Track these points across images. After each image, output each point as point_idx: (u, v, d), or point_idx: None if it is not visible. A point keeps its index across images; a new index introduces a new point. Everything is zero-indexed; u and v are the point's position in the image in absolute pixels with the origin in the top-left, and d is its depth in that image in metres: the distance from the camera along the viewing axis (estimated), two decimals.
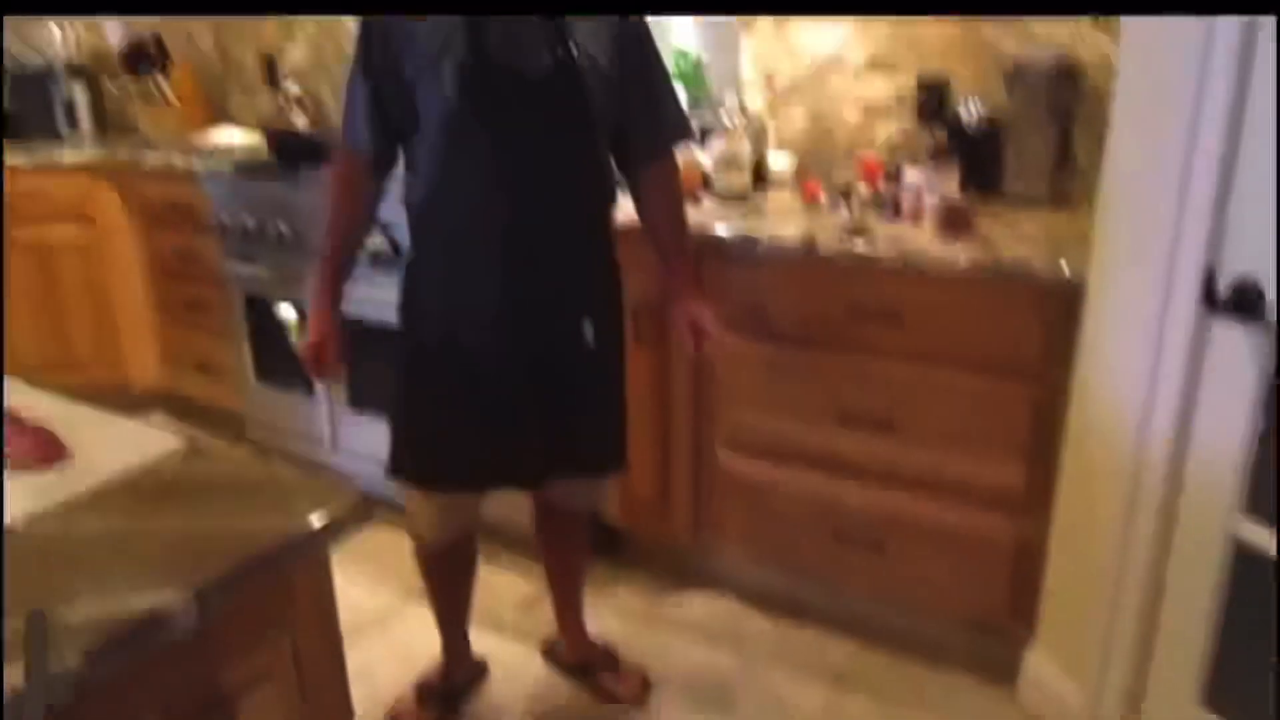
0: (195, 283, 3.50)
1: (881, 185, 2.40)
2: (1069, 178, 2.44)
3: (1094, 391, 1.98)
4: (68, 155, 3.60)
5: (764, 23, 2.77)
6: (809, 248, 2.23)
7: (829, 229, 2.28)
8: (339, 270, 2.00)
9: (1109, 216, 1.92)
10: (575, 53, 1.80)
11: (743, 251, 2.32)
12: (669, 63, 2.98)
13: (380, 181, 1.99)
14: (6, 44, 4.04)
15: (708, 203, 2.58)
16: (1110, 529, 1.95)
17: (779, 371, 2.37)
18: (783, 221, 2.38)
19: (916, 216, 2.31)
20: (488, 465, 1.99)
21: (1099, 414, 1.98)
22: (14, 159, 3.53)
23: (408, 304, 1.99)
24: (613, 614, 2.58)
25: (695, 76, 2.97)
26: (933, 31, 2.55)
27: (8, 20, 3.93)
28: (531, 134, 1.81)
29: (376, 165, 1.95)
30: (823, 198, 2.44)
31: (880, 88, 2.67)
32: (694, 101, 2.95)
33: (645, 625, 2.56)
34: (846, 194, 2.40)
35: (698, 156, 2.57)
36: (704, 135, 2.65)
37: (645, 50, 1.95)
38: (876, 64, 2.66)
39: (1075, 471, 2.06)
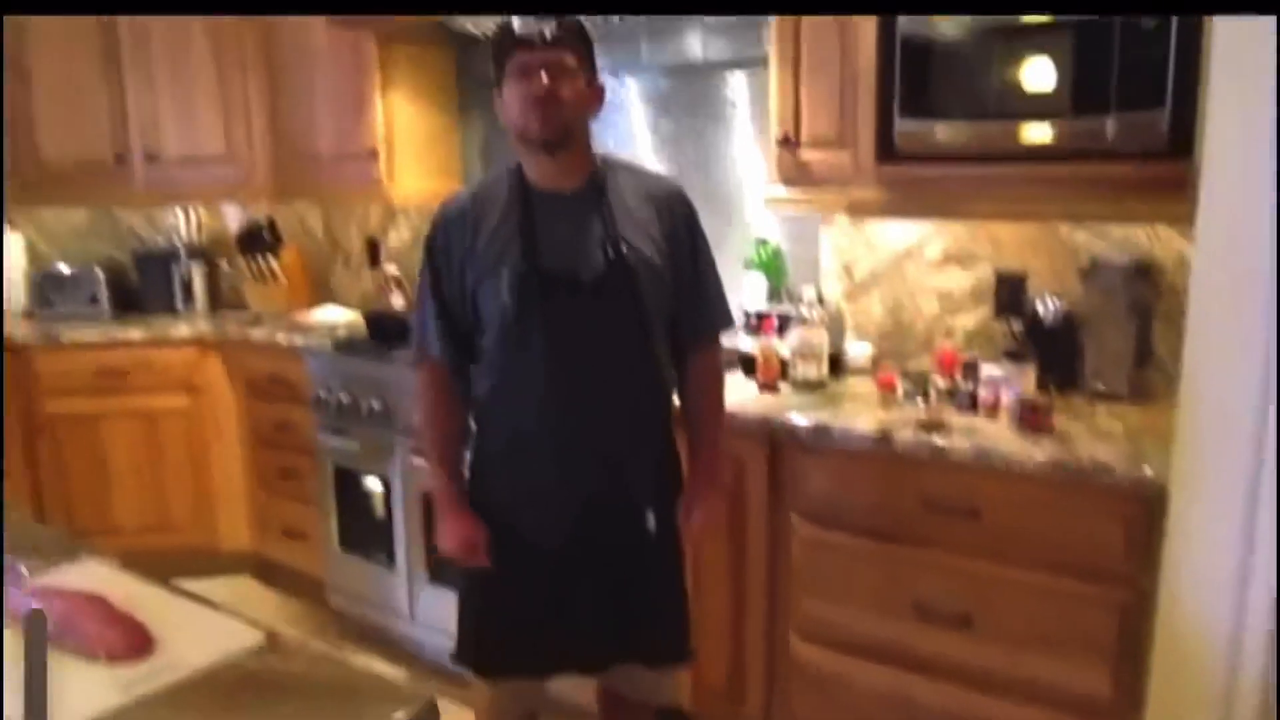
0: (289, 452, 3.63)
1: (959, 377, 2.41)
2: (1150, 373, 2.43)
3: (1181, 602, 1.91)
4: (180, 329, 3.83)
5: (842, 218, 2.86)
6: (884, 440, 2.24)
7: (905, 421, 2.30)
8: (453, 470, 2.06)
9: (1190, 417, 1.90)
10: (626, 250, 1.88)
11: (818, 441, 2.34)
12: (749, 252, 3.11)
13: (462, 388, 2.06)
14: (134, 226, 4.38)
15: (785, 390, 2.62)
16: None
17: (854, 562, 2.34)
18: (858, 412, 2.40)
19: (994, 411, 2.31)
20: (549, 654, 2.00)
21: (1187, 627, 1.90)
22: (130, 333, 3.78)
23: (473, 490, 2.05)
24: None
25: (774, 266, 3.06)
26: (1009, 230, 2.61)
27: (137, 207, 4.27)
28: (587, 333, 1.89)
29: (455, 370, 2.03)
30: (899, 389, 2.46)
31: (958, 280, 2.72)
32: (773, 291, 3.04)
33: None
34: (923, 386, 2.42)
35: (776, 345, 2.63)
36: (783, 324, 2.71)
37: (694, 241, 2.01)
38: (953, 257, 2.71)
39: (1164, 685, 1.97)
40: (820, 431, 2.33)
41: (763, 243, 3.08)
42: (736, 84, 3.13)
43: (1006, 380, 2.29)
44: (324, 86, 3.69)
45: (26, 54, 3.80)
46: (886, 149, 2.30)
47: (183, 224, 4.17)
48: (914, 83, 2.22)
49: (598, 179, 1.94)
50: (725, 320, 2.11)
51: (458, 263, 1.93)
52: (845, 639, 2.38)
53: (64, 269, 4.08)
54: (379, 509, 3.32)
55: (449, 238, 1.95)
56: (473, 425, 2.06)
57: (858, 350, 2.82)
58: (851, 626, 2.36)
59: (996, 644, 2.17)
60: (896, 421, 2.30)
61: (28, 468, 3.74)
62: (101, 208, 4.28)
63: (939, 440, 2.18)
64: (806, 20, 2.51)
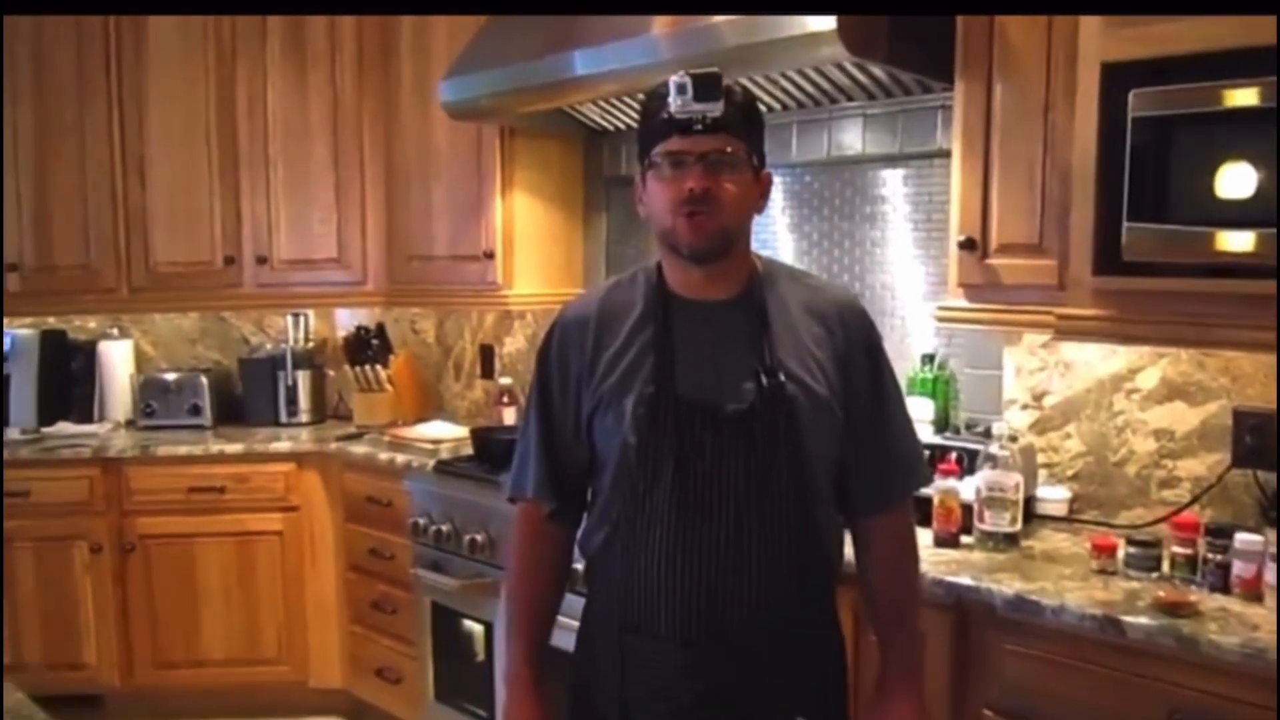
0: (386, 583, 3.29)
1: (1201, 546, 1.91)
2: None
3: None
4: (279, 443, 3.57)
5: (1031, 335, 2.41)
6: (1112, 625, 1.75)
7: (1135, 599, 1.81)
8: (534, 640, 1.67)
9: None
10: (785, 378, 1.48)
11: (1020, 618, 1.86)
12: (908, 370, 2.69)
13: (567, 540, 1.69)
14: (245, 333, 4.19)
15: (968, 544, 2.15)
16: None
17: None
18: (1070, 582, 1.92)
19: (1254, 591, 1.80)
20: None
21: None
22: (227, 447, 3.53)
23: (581, 662, 1.64)
24: None
25: (944, 389, 2.62)
26: (1252, 360, 2.11)
27: (246, 311, 4.09)
28: (728, 482, 1.48)
29: (560, 517, 1.65)
30: (1120, 553, 1.97)
31: (1182, 417, 2.22)
32: (940, 419, 2.59)
33: None
34: (1154, 552, 1.92)
35: (956, 490, 2.17)
36: (964, 463, 2.25)
37: (877, 369, 1.59)
38: (1176, 389, 2.22)
39: None
40: (1024, 606, 1.85)
41: (929, 360, 2.65)
42: (891, 180, 2.75)
43: (1272, 554, 1.78)
44: (442, 186, 3.46)
45: (147, 153, 3.68)
46: (1107, 258, 1.86)
47: (291, 330, 3.95)
48: (1148, 177, 1.78)
49: (755, 289, 1.55)
50: (918, 476, 1.67)
51: (574, 382, 1.56)
52: None
53: (168, 376, 3.90)
54: (479, 655, 2.93)
55: (566, 350, 1.58)
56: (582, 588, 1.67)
57: (1051, 495, 2.34)
58: None
59: None
60: (1125, 600, 1.81)
61: (116, 588, 3.49)
62: (209, 311, 4.10)
63: (1187, 629, 1.69)
64: (1000, 105, 2.11)
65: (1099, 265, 1.87)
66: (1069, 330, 1.97)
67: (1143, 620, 1.73)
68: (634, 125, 3.01)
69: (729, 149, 1.45)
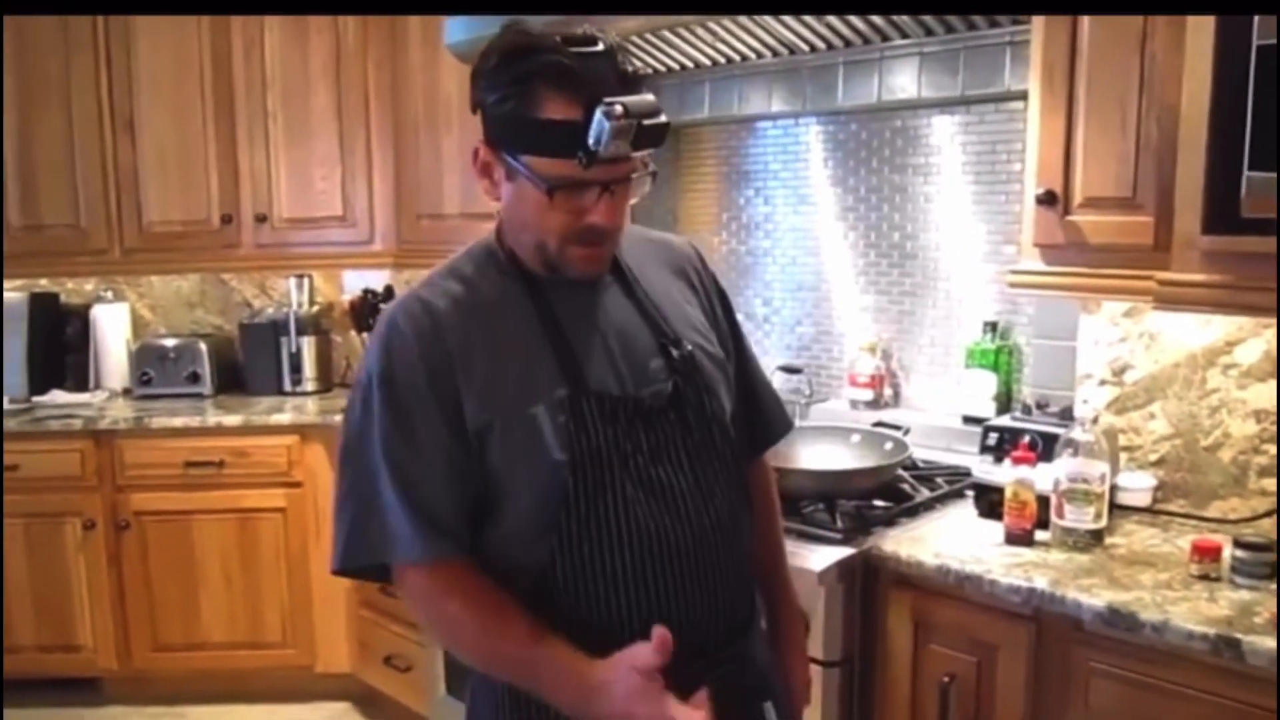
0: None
1: None
2: None
3: None
4: (282, 414, 3.34)
5: (1111, 304, 2.13)
6: (1227, 646, 1.49)
7: (1246, 612, 1.55)
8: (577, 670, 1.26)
9: None
10: (690, 349, 1.32)
11: (1108, 633, 1.61)
12: (964, 340, 2.43)
13: (478, 581, 1.26)
14: (247, 296, 3.96)
15: (1044, 541, 1.89)
16: None
17: None
18: (1168, 592, 1.66)
19: None
20: None
21: None
22: (226, 419, 3.31)
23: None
24: None
25: (1006, 363, 2.35)
26: None
27: (248, 274, 3.85)
28: (675, 479, 1.27)
29: (456, 576, 1.25)
30: (1225, 558, 1.71)
31: None
32: (1002, 399, 2.33)
33: None
34: (1263, 557, 1.66)
35: (1031, 480, 1.90)
36: (1038, 448, 1.99)
37: (731, 316, 1.49)
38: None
39: None
40: (1118, 619, 1.60)
41: (991, 329, 2.38)
42: (947, 128, 2.47)
43: None
44: (454, 138, 3.19)
45: (136, 111, 3.43)
46: (1221, 214, 1.58)
47: (294, 293, 3.71)
48: (1274, 120, 1.50)
49: (618, 257, 1.35)
50: (785, 421, 1.56)
51: (437, 408, 1.22)
52: None
53: (166, 342, 3.67)
54: None
55: (414, 369, 1.22)
56: None
57: (1133, 483, 2.07)
58: None
59: None
60: (1239, 616, 1.55)
61: (111, 568, 3.29)
62: (207, 273, 3.86)
63: None
64: (1088, 36, 1.82)
65: (1211, 222, 1.59)
66: (1172, 298, 1.69)
67: (1264, 642, 1.47)
68: (659, 68, 2.78)
69: (636, 172, 1.22)
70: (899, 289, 2.63)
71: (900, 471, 2.17)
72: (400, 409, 1.23)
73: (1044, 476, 1.91)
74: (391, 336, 1.25)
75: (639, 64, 2.66)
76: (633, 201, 1.26)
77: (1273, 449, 1.97)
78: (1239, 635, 1.49)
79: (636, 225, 1.44)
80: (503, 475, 1.23)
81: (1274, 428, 1.96)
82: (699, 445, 1.30)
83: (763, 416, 1.51)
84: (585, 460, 1.22)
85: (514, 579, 1.24)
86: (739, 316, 1.55)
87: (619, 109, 1.12)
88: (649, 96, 1.17)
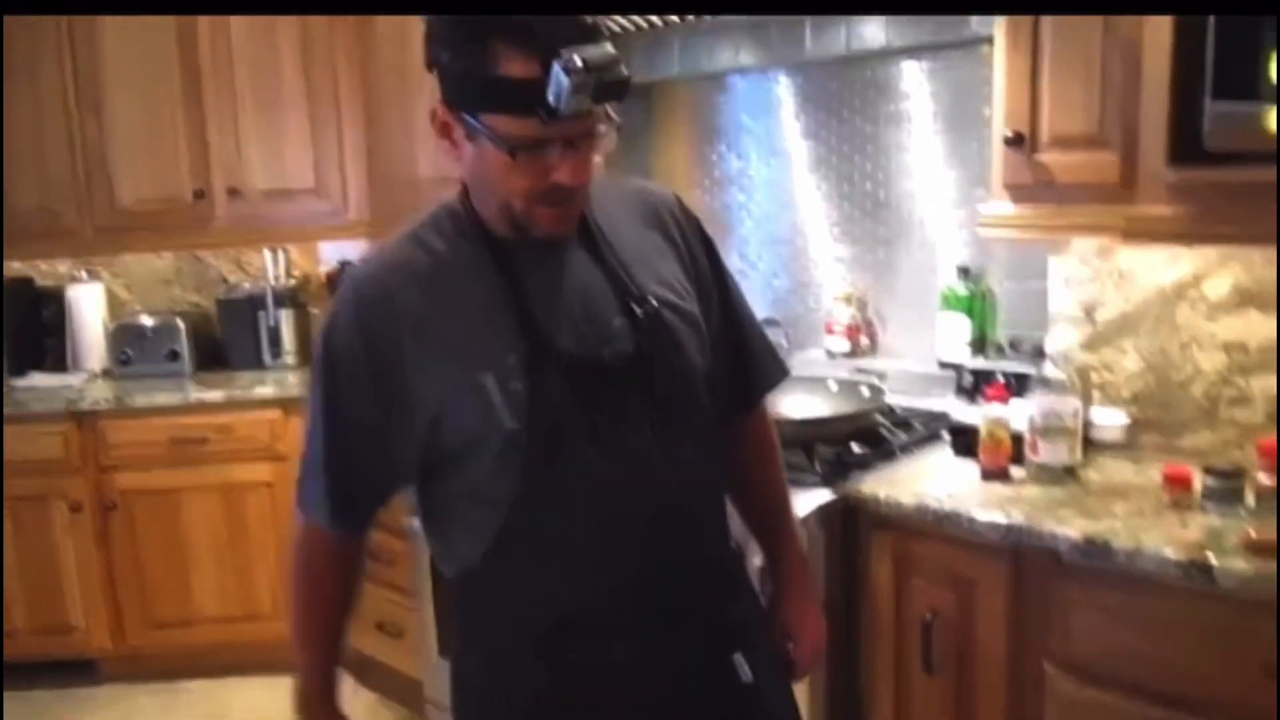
0: (381, 530, 3.07)
1: None
2: None
3: None
4: (263, 387, 3.34)
5: (1081, 243, 2.15)
6: (1199, 569, 1.53)
7: (1218, 538, 1.58)
8: (331, 659, 1.43)
9: None
10: (654, 303, 1.26)
11: (1089, 564, 1.65)
12: (938, 285, 2.45)
13: (360, 554, 1.38)
14: (222, 271, 3.94)
15: (1020, 478, 1.92)
16: None
17: None
18: (1141, 520, 1.69)
19: None
20: None
21: None
22: (208, 394, 3.31)
23: (473, 701, 1.36)
24: None
25: (981, 306, 2.38)
26: None
27: (223, 250, 3.84)
28: (637, 440, 1.23)
29: (357, 536, 1.35)
30: (1197, 486, 1.74)
31: (1256, 328, 1.97)
32: (977, 342, 2.36)
33: None
34: (1236, 485, 1.70)
35: (1005, 418, 1.93)
36: (1012, 387, 2.02)
37: (715, 264, 1.43)
38: (1250, 296, 1.97)
39: None
40: (1093, 550, 1.63)
41: (965, 274, 2.40)
42: (915, 75, 2.48)
43: None
44: (425, 103, 3.14)
45: (102, 90, 3.38)
46: (1185, 147, 1.60)
47: (271, 266, 3.69)
48: (1238, 46, 1.51)
49: (586, 210, 1.29)
50: (779, 368, 1.51)
51: (391, 374, 1.22)
52: None
53: (145, 320, 3.65)
54: None
55: (369, 334, 1.22)
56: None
57: (1107, 419, 2.11)
58: None
59: None
60: (1210, 541, 1.58)
61: (99, 548, 3.29)
62: (182, 250, 3.84)
63: None
64: None
65: (1176, 155, 1.62)
66: (1140, 233, 1.72)
67: (1235, 564, 1.51)
68: (628, 26, 2.77)
69: (602, 126, 1.18)
70: (873, 238, 2.64)
71: (878, 417, 2.20)
72: (334, 381, 1.25)
73: (1018, 415, 1.94)
74: (338, 305, 1.26)
75: (602, 20, 2.63)
76: (598, 157, 1.23)
77: (1242, 381, 2.00)
78: (1211, 559, 1.53)
79: (612, 175, 1.43)
80: (455, 446, 1.23)
81: (1243, 360, 1.99)
82: (663, 405, 1.25)
83: (755, 366, 1.47)
84: (541, 424, 1.19)
85: (472, 548, 1.26)
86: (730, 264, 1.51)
87: (578, 64, 1.08)
88: (609, 49, 1.12)
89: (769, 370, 1.49)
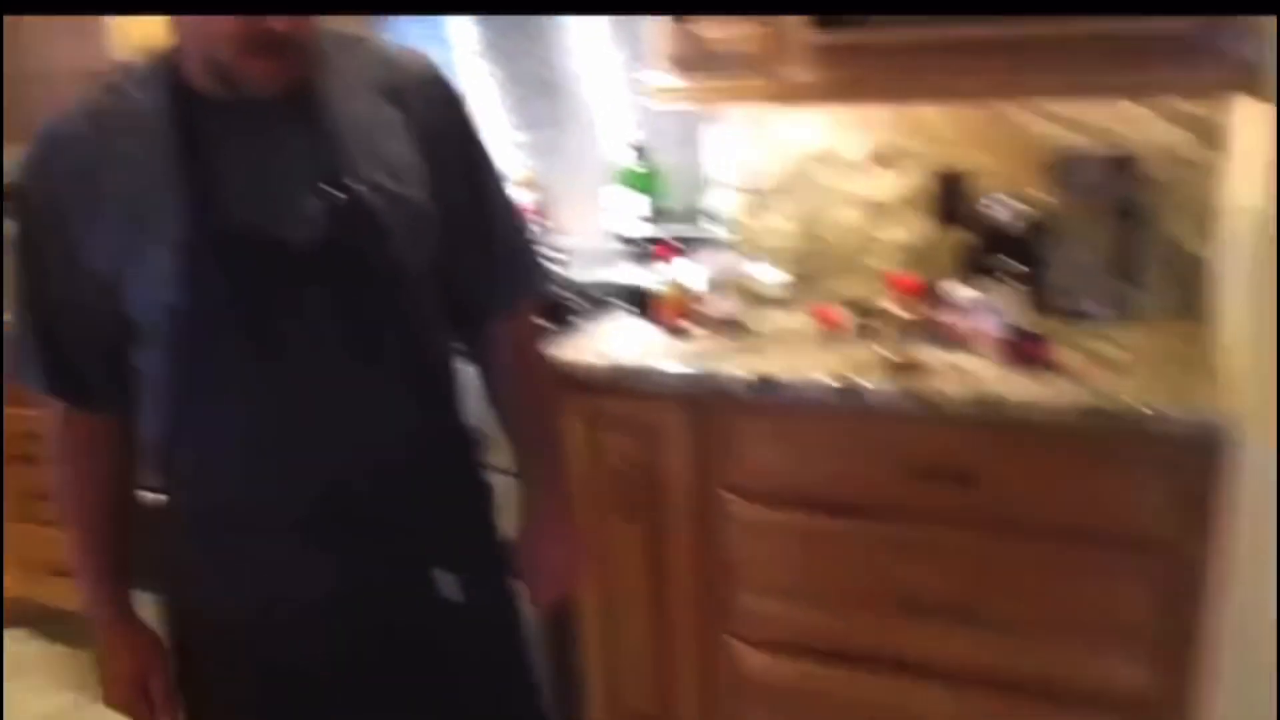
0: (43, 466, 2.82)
1: (920, 307, 1.93)
2: (1142, 287, 2.01)
3: (1244, 572, 1.52)
4: None
5: (735, 112, 2.31)
6: (851, 392, 1.74)
7: (867, 365, 1.81)
8: (112, 565, 1.32)
9: (1261, 336, 1.49)
10: (361, 185, 1.15)
11: (762, 398, 1.82)
12: (606, 162, 2.54)
13: (123, 429, 1.25)
14: None
15: (698, 335, 2.07)
16: None
17: (815, 548, 1.87)
18: (803, 357, 1.89)
19: (968, 345, 1.85)
20: None
21: (1251, 604, 1.52)
22: None
23: (176, 592, 1.29)
24: None
25: (649, 182, 2.50)
26: (947, 119, 2.13)
27: None
28: (316, 333, 1.16)
29: (105, 408, 1.24)
30: (848, 324, 1.96)
31: (887, 185, 2.22)
32: (650, 213, 2.48)
33: None
34: (878, 319, 1.93)
35: (676, 279, 2.07)
36: (681, 251, 2.16)
37: (471, 151, 1.31)
38: (879, 157, 2.22)
39: (1221, 679, 1.59)
40: (765, 385, 1.81)
41: (638, 151, 2.50)
42: None
43: (989, 305, 1.83)
44: None
45: None
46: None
47: None
48: None
49: (313, 73, 1.16)
50: (534, 273, 1.43)
51: (79, 231, 1.14)
52: (809, 643, 1.91)
53: None
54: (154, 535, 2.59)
55: (56, 187, 1.14)
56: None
57: (770, 277, 2.31)
58: (815, 627, 1.90)
59: (1006, 637, 1.75)
60: (860, 368, 1.80)
61: None
62: None
63: (921, 387, 1.71)
64: None
65: (820, 20, 1.77)
66: (793, 98, 1.87)
67: (882, 385, 1.73)
68: None
69: None
70: (547, 120, 2.68)
71: (560, 291, 2.27)
72: (35, 237, 1.18)
73: (690, 276, 2.09)
74: (36, 152, 1.17)
75: None
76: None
77: (879, 234, 2.25)
78: (862, 382, 1.74)
79: (367, 37, 1.34)
80: (136, 318, 1.16)
81: (878, 215, 2.24)
82: (352, 300, 1.16)
83: (505, 268, 1.35)
84: (205, 305, 1.12)
85: (156, 423, 1.21)
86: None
87: None
88: None
89: (522, 274, 1.38)
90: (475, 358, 1.40)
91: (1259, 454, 1.50)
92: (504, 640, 1.39)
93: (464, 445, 1.35)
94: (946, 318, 1.89)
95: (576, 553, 1.48)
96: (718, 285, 2.08)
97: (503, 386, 1.41)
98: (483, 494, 1.38)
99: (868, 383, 1.74)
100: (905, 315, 1.91)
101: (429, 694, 1.28)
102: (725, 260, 2.06)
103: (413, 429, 1.24)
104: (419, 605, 1.26)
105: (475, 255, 1.31)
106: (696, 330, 2.08)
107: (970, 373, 1.75)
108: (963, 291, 1.87)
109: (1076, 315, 1.98)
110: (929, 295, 1.92)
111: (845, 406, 1.76)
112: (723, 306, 2.08)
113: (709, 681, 2.02)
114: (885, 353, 1.82)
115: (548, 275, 1.48)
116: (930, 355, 1.83)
